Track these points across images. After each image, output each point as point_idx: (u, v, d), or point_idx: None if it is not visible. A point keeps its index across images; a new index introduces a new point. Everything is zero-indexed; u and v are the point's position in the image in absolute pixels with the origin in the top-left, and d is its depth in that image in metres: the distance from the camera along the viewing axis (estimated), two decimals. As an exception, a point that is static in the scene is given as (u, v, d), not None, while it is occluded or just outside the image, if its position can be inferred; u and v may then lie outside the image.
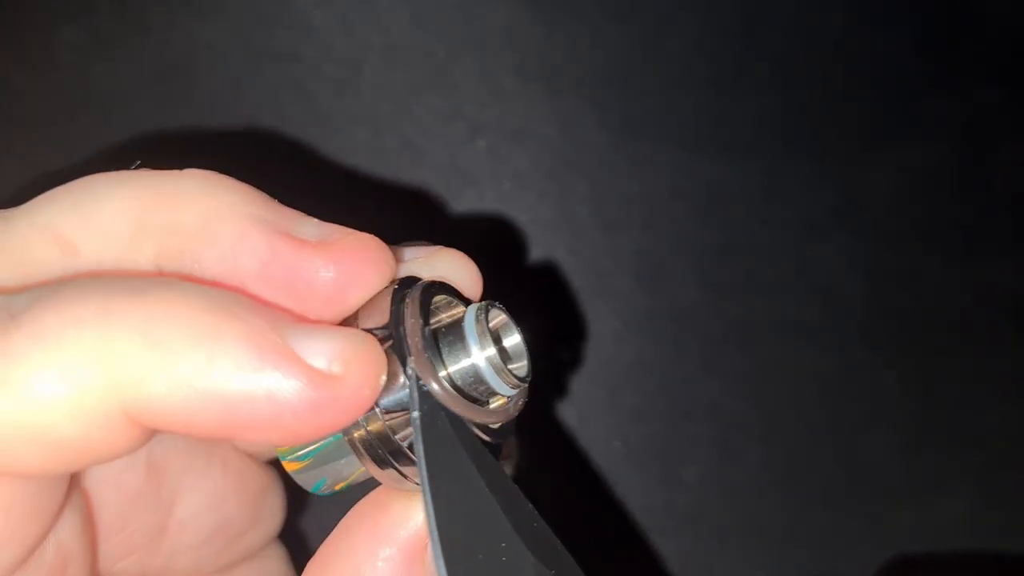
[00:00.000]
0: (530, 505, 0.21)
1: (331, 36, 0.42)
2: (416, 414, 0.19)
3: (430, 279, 0.22)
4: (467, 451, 0.20)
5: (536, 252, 0.41)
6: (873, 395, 0.41)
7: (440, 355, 0.21)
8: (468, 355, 0.21)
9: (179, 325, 0.18)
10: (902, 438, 0.40)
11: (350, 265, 0.20)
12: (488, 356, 0.21)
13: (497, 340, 0.22)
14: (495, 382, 0.21)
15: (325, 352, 0.18)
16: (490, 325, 0.22)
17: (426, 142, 0.42)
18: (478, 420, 0.21)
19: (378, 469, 0.21)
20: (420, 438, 0.19)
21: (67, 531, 0.22)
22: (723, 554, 0.39)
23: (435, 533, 0.18)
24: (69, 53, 0.41)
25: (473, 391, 0.21)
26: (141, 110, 0.41)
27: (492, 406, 0.22)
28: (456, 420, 0.20)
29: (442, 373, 0.21)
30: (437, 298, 0.22)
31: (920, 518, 0.40)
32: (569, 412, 0.40)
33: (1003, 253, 0.42)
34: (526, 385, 0.22)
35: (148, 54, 0.42)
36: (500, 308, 0.22)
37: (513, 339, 0.23)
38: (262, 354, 0.18)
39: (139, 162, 0.22)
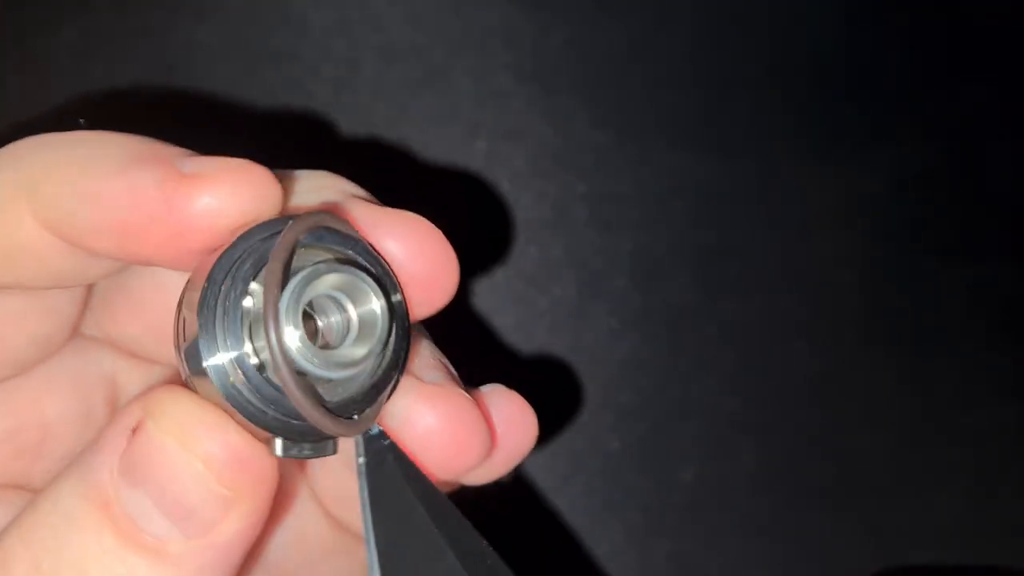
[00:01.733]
0: (484, 542, 0.20)
1: (329, 36, 0.42)
2: (361, 460, 0.19)
3: (306, 223, 0.19)
4: (416, 495, 0.19)
5: (533, 251, 0.41)
6: (868, 394, 0.41)
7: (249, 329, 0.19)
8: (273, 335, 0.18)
9: (84, 150, 0.21)
10: (898, 437, 0.40)
11: (221, 190, 0.20)
12: (291, 337, 0.18)
13: (331, 309, 0.20)
14: (308, 367, 0.18)
15: (198, 163, 0.20)
16: (333, 289, 0.19)
17: (423, 142, 0.42)
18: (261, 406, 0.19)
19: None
20: (365, 485, 0.18)
21: (56, 414, 0.23)
22: (719, 553, 0.39)
23: None
24: (67, 54, 0.41)
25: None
26: (139, 111, 0.41)
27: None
28: (405, 461, 0.19)
29: (234, 354, 0.19)
30: (308, 247, 0.19)
31: (916, 517, 0.40)
32: (565, 411, 0.40)
33: (997, 252, 0.42)
34: (367, 365, 0.19)
35: (146, 54, 0.42)
36: (346, 270, 0.19)
37: (366, 306, 0.19)
38: (135, 158, 0.20)
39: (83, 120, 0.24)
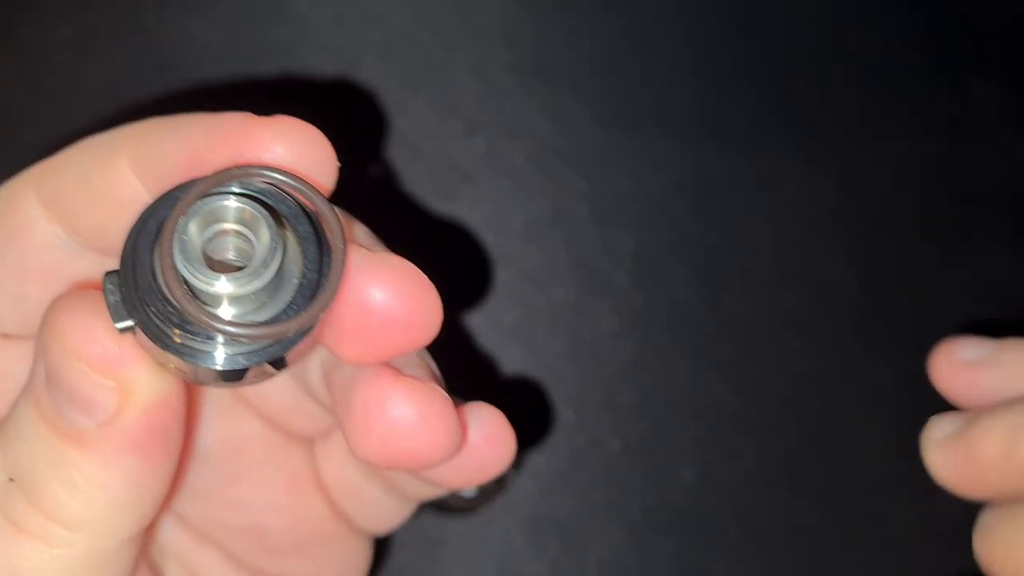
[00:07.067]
0: None
1: (327, 33, 0.42)
2: None
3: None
4: None
5: (533, 250, 0.41)
6: (870, 392, 0.40)
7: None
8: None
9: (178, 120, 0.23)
10: (900, 435, 0.40)
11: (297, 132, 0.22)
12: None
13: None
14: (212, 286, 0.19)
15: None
16: (215, 224, 0.20)
17: (423, 139, 0.41)
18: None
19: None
20: None
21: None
22: (721, 553, 0.39)
23: None
24: (64, 51, 0.41)
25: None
26: (136, 108, 0.41)
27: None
28: None
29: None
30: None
31: (918, 515, 0.39)
32: (566, 412, 0.40)
33: (1000, 249, 0.42)
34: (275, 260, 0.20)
35: (143, 51, 0.42)
36: (209, 201, 0.20)
37: (248, 212, 0.20)
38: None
39: None
